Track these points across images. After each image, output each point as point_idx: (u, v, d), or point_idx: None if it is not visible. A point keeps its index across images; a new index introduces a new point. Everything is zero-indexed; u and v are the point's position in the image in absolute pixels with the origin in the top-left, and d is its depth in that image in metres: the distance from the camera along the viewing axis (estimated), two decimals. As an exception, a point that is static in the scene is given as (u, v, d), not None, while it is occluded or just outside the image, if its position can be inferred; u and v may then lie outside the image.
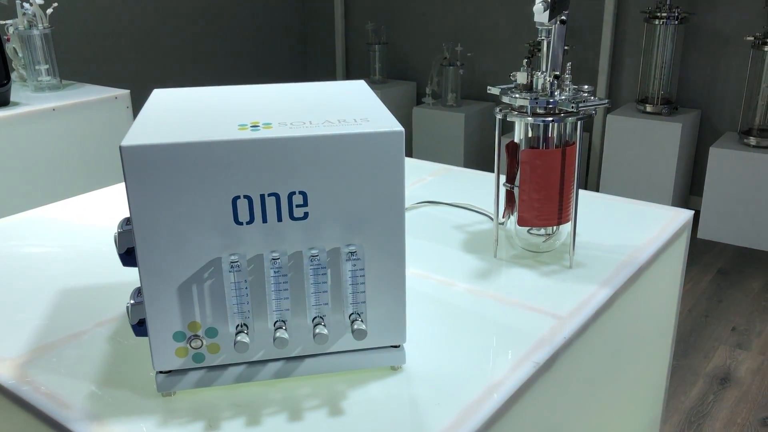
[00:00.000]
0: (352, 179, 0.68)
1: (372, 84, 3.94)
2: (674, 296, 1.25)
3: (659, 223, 1.16)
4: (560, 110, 0.95)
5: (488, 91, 1.04)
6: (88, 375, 0.77)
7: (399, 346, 0.76)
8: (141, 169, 0.64)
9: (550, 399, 0.85)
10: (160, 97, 0.81)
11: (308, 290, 0.69)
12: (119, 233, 0.73)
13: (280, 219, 0.68)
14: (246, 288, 0.68)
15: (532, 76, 0.98)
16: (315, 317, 0.70)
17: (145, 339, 0.79)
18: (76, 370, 0.78)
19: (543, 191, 0.98)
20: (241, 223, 0.68)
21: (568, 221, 1.02)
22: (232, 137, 0.65)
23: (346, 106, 0.76)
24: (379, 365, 0.76)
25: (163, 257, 0.67)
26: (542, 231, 1.04)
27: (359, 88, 0.85)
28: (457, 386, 0.74)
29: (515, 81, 1.00)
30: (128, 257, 0.74)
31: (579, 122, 0.95)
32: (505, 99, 0.98)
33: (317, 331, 0.69)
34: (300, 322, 0.72)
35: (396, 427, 0.68)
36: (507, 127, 1.01)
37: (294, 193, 0.68)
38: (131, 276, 0.98)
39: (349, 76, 4.36)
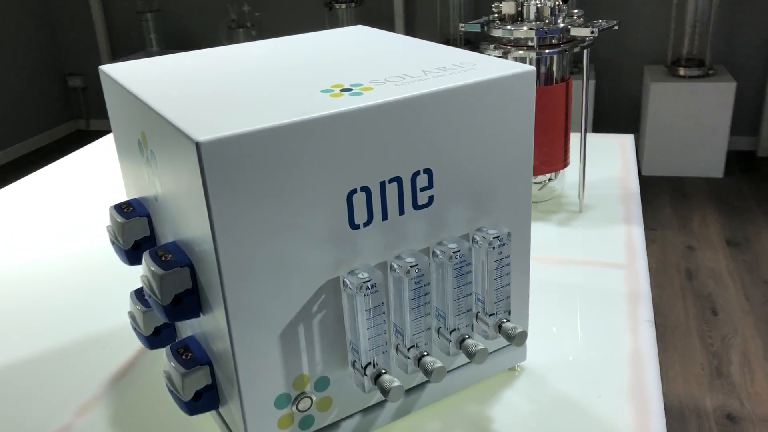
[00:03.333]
0: (480, 142, 0.52)
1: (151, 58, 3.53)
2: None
3: (614, 151, 1.13)
4: (564, 39, 0.85)
5: (461, 30, 0.90)
6: (124, 488, 0.53)
7: (518, 340, 0.62)
8: (227, 169, 0.42)
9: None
10: (138, 73, 0.56)
11: (449, 297, 0.52)
12: (123, 224, 0.52)
13: (402, 211, 0.50)
14: (383, 313, 0.49)
15: (521, 5, 0.86)
16: (454, 329, 0.54)
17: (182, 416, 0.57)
18: (98, 486, 0.53)
19: (550, 132, 0.88)
20: (358, 227, 0.48)
21: (568, 164, 0.93)
22: (342, 108, 0.45)
23: (415, 54, 0.58)
24: (501, 369, 0.62)
25: (262, 294, 0.46)
26: (539, 179, 0.94)
27: (376, 33, 0.67)
28: (597, 369, 0.62)
29: (499, 12, 0.87)
30: (135, 252, 0.56)
31: (586, 51, 0.86)
32: (498, 33, 0.85)
33: (473, 349, 0.52)
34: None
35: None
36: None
37: (418, 173, 0.50)
38: (76, 331, 0.72)
39: (115, 52, 3.86)
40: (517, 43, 0.86)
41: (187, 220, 0.47)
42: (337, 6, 3.09)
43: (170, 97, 0.49)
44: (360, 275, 0.48)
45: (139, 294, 0.61)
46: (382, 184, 0.48)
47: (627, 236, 0.86)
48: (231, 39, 3.34)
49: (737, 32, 3.11)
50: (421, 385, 0.57)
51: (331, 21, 3.20)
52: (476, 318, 0.55)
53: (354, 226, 0.48)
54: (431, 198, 0.51)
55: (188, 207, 0.46)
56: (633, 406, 0.58)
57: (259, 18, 3.43)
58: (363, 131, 0.46)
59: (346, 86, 0.50)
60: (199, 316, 0.51)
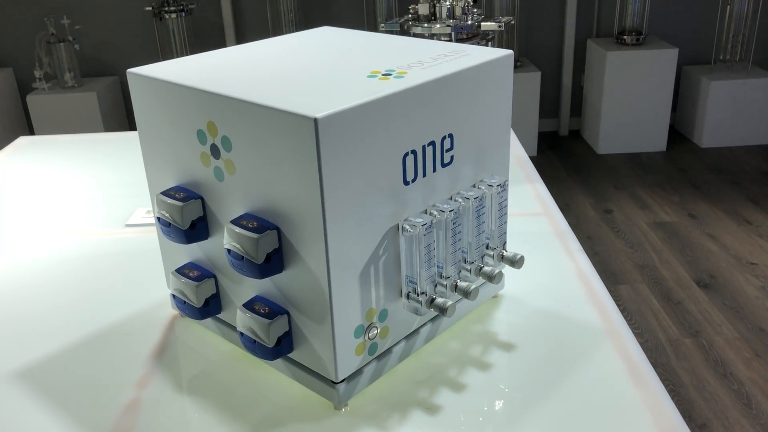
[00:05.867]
0: (481, 110, 0.67)
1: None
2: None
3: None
4: (472, 34, 1.02)
5: (381, 29, 1.04)
6: (222, 432, 0.61)
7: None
8: (335, 139, 0.53)
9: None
10: (184, 71, 0.64)
11: (471, 233, 0.66)
12: (182, 207, 0.63)
13: (434, 169, 0.63)
14: (434, 249, 0.62)
15: (434, 6, 1.02)
16: (474, 261, 0.68)
17: (229, 374, 0.66)
18: (195, 436, 0.61)
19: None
20: (408, 183, 0.61)
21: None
22: (400, 87, 0.58)
23: (409, 45, 0.71)
24: (488, 298, 0.77)
25: (349, 239, 0.57)
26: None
27: (348, 31, 0.79)
28: (557, 287, 0.79)
29: (415, 12, 1.02)
30: (192, 231, 0.65)
31: (490, 42, 1.03)
32: (418, 30, 1.00)
33: (492, 272, 0.67)
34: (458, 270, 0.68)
35: (573, 326, 0.72)
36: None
37: (445, 137, 0.63)
38: (92, 324, 0.77)
39: None
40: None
41: (277, 189, 0.57)
42: (167, 16, 3.07)
43: (246, 87, 0.58)
44: (418, 219, 0.60)
45: (182, 272, 0.69)
46: (424, 147, 0.61)
47: (535, 191, 1.05)
48: (51, 54, 3.18)
49: (535, 29, 3.55)
50: (437, 315, 0.70)
51: (162, 31, 3.17)
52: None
53: (406, 182, 0.61)
54: (452, 157, 0.65)
55: (284, 177, 0.55)
56: (595, 308, 0.75)
57: (81, 31, 3.30)
58: (412, 104, 0.59)
59: (384, 72, 0.62)
60: (282, 271, 0.60)
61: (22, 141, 1.37)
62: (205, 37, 3.39)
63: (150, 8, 3.13)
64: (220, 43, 3.39)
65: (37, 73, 3.19)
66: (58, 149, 1.33)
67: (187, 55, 3.28)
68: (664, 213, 2.77)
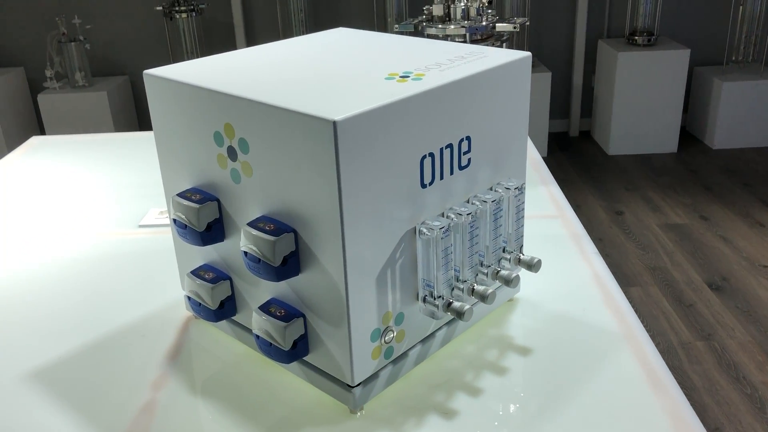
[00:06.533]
0: (498, 113, 0.66)
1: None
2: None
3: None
4: (486, 35, 1.01)
5: (394, 30, 1.03)
6: (237, 435, 0.60)
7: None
8: (353, 142, 0.53)
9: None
10: (202, 73, 0.64)
11: (488, 237, 0.66)
12: (198, 209, 0.63)
13: (452, 172, 0.63)
14: (452, 252, 0.61)
15: (448, 8, 1.01)
16: (491, 264, 0.67)
17: (244, 379, 0.66)
18: (211, 438, 0.60)
19: (480, 114, 1.04)
20: (425, 185, 0.60)
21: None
22: (418, 90, 0.57)
23: (424, 47, 0.70)
24: (504, 301, 0.76)
25: (367, 242, 0.57)
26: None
27: (363, 32, 0.79)
28: (573, 291, 0.79)
29: (429, 13, 1.02)
30: (208, 234, 0.65)
31: (505, 43, 1.03)
32: (432, 31, 1.00)
33: (509, 275, 0.66)
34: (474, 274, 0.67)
35: (590, 330, 0.71)
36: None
37: (462, 140, 0.63)
38: (105, 326, 0.76)
39: None
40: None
41: (294, 192, 0.56)
42: (177, 16, 3.08)
43: (264, 89, 0.58)
44: (435, 223, 0.60)
45: (197, 274, 0.68)
46: (441, 150, 0.61)
47: (549, 194, 1.04)
48: (62, 54, 3.19)
49: (546, 29, 3.53)
50: (453, 319, 0.70)
51: (172, 31, 3.17)
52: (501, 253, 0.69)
53: (423, 185, 0.60)
54: (469, 160, 0.64)
55: (301, 179, 0.55)
56: (612, 312, 0.75)
57: (91, 31, 3.30)
58: (430, 107, 0.58)
59: (401, 74, 0.61)
60: (298, 274, 0.60)
61: (35, 141, 1.38)
62: (216, 37, 3.40)
63: (160, 8, 3.13)
64: (230, 43, 3.39)
65: (48, 73, 3.20)
66: (70, 149, 1.33)
67: (197, 55, 3.30)
68: (675, 215, 2.75)
